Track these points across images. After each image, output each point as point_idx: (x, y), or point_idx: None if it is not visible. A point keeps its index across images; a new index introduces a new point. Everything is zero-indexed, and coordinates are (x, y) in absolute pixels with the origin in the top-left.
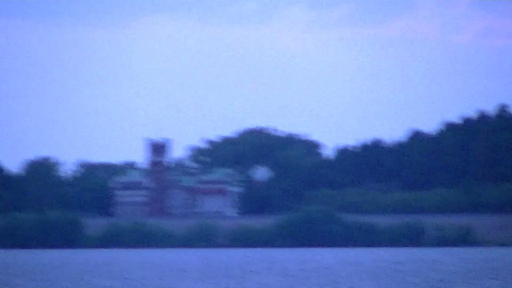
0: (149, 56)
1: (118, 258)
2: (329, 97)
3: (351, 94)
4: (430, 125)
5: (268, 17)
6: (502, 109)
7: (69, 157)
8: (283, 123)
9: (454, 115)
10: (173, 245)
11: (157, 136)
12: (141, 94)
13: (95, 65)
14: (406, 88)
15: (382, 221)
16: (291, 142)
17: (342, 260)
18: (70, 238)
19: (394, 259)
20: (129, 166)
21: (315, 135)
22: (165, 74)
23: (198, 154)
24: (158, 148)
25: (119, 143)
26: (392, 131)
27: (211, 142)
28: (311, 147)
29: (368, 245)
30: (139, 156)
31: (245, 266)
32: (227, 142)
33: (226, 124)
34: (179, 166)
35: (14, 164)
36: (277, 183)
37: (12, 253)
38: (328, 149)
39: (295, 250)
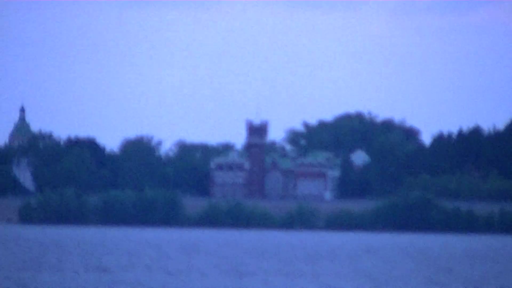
0: (248, 39)
1: (218, 238)
2: (424, 83)
3: (446, 81)
4: None
5: (355, 4)
6: None
7: (167, 136)
8: (380, 108)
9: None
10: (271, 227)
11: (256, 118)
12: (240, 75)
13: (194, 46)
14: (501, 77)
15: (480, 208)
16: (388, 127)
17: (442, 245)
18: (168, 217)
19: (494, 245)
20: (227, 147)
21: (411, 121)
22: (264, 57)
23: (296, 137)
24: (257, 130)
25: (216, 124)
26: (491, 119)
27: (309, 126)
28: (408, 133)
29: (466, 232)
30: (237, 138)
31: (347, 249)
32: (324, 126)
33: (323, 108)
34: (277, 148)
35: (113, 143)
36: (375, 168)
37: (111, 231)
38: (425, 136)
39: (393, 235)
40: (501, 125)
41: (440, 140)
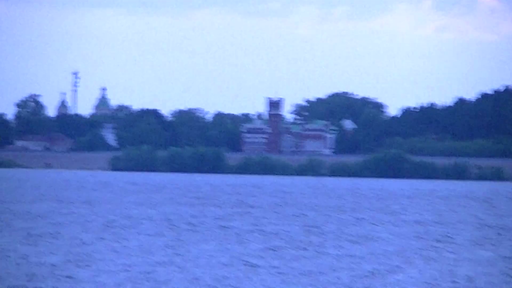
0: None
1: (254, 182)
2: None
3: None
4: (469, 93)
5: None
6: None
7: (208, 108)
8: (356, 88)
9: (490, 86)
10: (288, 174)
11: (274, 95)
12: (257, 64)
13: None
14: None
15: (438, 161)
16: (365, 102)
17: (412, 188)
18: (215, 167)
19: (451, 188)
20: (247, 117)
21: (381, 98)
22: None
23: (301, 109)
24: (275, 104)
25: (239, 98)
26: (439, 95)
27: (309, 101)
28: (379, 106)
29: (428, 179)
30: (259, 109)
31: (354, 193)
32: (320, 101)
33: (319, 86)
34: (288, 117)
35: (168, 112)
36: (361, 132)
37: (174, 176)
38: (392, 109)
39: (378, 180)
40: (448, 102)
41: (406, 112)
